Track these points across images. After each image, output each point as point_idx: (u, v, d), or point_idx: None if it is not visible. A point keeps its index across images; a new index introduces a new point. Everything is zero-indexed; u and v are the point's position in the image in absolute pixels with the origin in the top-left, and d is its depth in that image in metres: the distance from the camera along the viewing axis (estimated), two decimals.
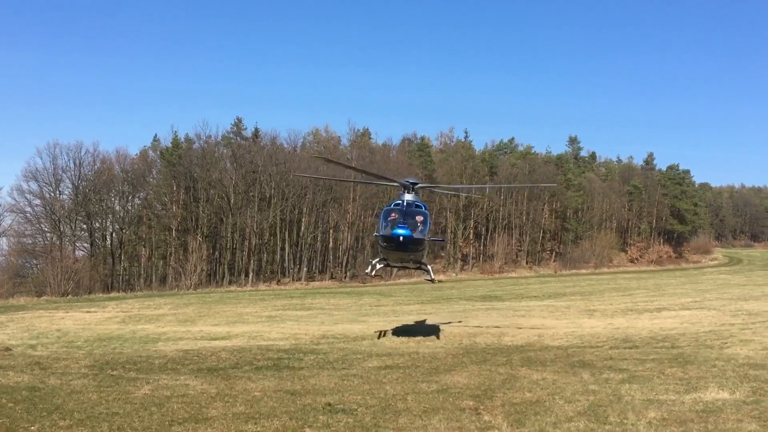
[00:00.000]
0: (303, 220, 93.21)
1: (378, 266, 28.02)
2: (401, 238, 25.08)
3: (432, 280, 28.14)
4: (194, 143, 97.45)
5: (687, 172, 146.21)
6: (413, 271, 30.61)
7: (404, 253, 26.02)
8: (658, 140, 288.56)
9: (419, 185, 28.38)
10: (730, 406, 13.63)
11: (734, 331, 28.36)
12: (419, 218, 25.75)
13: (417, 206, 26.69)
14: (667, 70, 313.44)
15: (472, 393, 15.22)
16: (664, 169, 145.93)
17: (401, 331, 29.78)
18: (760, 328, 29.70)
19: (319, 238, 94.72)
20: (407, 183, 27.51)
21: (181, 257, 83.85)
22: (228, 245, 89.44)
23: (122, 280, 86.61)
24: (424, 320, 35.85)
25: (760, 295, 51.27)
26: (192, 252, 79.09)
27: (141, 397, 14.78)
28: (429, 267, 27.54)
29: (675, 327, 31.04)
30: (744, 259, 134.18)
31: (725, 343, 24.25)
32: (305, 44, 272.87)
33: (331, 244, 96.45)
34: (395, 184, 28.55)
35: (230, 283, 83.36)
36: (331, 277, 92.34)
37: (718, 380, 16.38)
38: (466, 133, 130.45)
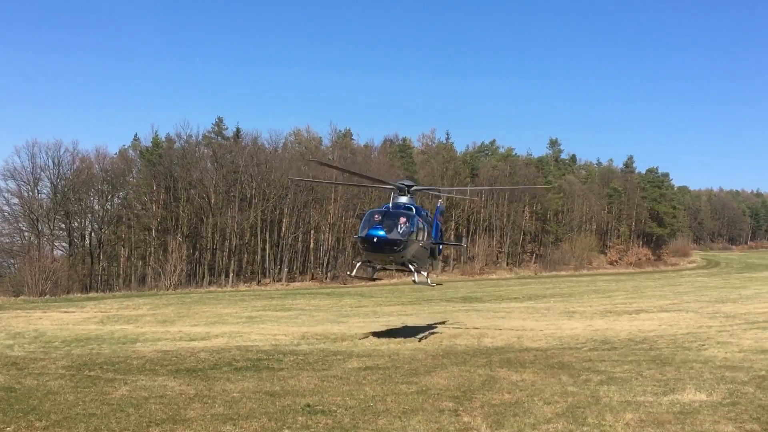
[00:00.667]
0: (284, 220, 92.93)
1: (375, 269, 28.08)
2: (375, 239, 25.12)
3: (415, 281, 27.89)
4: (175, 143, 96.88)
5: (666, 175, 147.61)
6: (393, 272, 30.54)
7: (382, 255, 25.92)
8: (637, 143, 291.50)
9: (414, 188, 28.48)
10: (707, 408, 13.76)
11: (712, 333, 28.61)
12: (402, 219, 25.65)
13: (407, 208, 26.68)
14: (648, 74, 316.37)
15: (451, 394, 15.25)
16: (643, 171, 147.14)
17: (382, 332, 29.77)
18: (737, 330, 29.97)
19: (299, 239, 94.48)
20: (402, 185, 27.68)
21: (160, 257, 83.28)
22: (208, 245, 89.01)
23: (101, 280, 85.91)
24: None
25: (737, 298, 51.76)
26: (172, 252, 78.55)
27: (118, 398, 14.69)
28: (412, 267, 27.16)
29: (653, 329, 31.24)
30: (722, 262, 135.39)
31: (703, 345, 24.44)
32: (287, 45, 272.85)
33: (311, 245, 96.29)
34: (390, 186, 28.53)
35: (210, 283, 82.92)
36: (312, 278, 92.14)
37: (695, 382, 16.52)
38: (447, 134, 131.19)
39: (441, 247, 35.32)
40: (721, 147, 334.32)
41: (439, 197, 40.41)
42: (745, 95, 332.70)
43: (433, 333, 30.03)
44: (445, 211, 38.05)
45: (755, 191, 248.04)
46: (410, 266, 26.72)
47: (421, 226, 26.92)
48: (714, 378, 17.10)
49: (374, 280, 31.69)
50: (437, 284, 31.35)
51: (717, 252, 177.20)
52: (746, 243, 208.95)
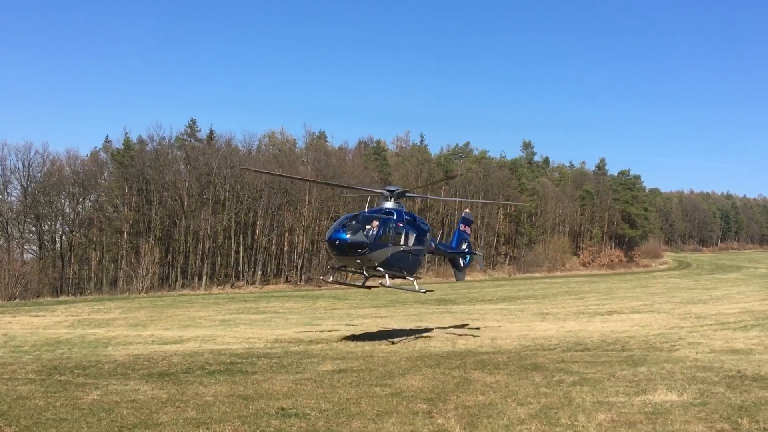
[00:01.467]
0: (258, 222, 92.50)
1: (367, 276, 27.76)
2: (337, 242, 25.32)
3: (383, 285, 27.66)
4: (147, 145, 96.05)
5: (638, 177, 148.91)
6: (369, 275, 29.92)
7: (347, 258, 26.03)
8: (610, 146, 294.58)
9: (407, 194, 28.48)
10: (678, 408, 13.89)
11: (683, 334, 29.00)
12: (374, 223, 25.61)
13: (388, 213, 26.64)
14: (620, 78, 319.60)
15: (425, 396, 15.26)
16: (615, 174, 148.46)
17: (356, 335, 29.75)
18: (707, 330, 30.41)
19: (273, 241, 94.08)
20: (387, 191, 27.67)
21: (132, 260, 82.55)
22: (181, 248, 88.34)
23: (72, 283, 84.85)
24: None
25: (707, 299, 52.48)
26: (144, 255, 77.90)
27: (89, 403, 14.51)
28: (382, 270, 26.83)
29: (625, 330, 31.57)
30: (693, 264, 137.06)
31: (674, 346, 24.73)
32: (261, 47, 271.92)
33: (286, 248, 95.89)
34: (377, 192, 28.44)
35: (183, 286, 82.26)
36: (286, 281, 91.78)
37: (666, 382, 16.69)
38: (421, 137, 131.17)
39: (468, 257, 34.32)
40: (692, 150, 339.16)
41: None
42: (716, 99, 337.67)
43: (407, 335, 30.06)
44: (473, 220, 36.98)
45: (725, 193, 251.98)
46: (380, 270, 26.35)
47: (401, 230, 26.75)
48: (685, 378, 17.29)
49: (368, 287, 30.48)
50: (428, 290, 30.67)
51: (688, 253, 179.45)
52: (716, 244, 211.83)
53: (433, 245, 31.66)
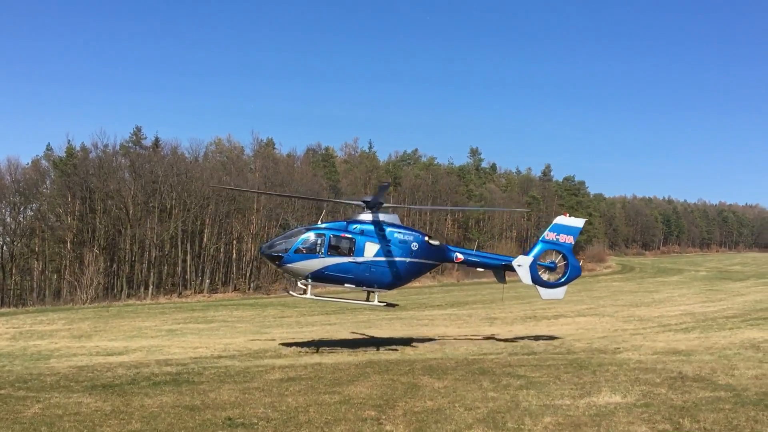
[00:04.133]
0: (205, 231, 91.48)
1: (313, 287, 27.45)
2: (261, 255, 27.44)
3: (289, 293, 28.23)
4: (90, 152, 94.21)
5: (582, 183, 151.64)
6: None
7: (277, 268, 27.47)
8: (555, 152, 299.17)
9: (383, 205, 28.29)
10: (622, 410, 14.17)
11: (626, 337, 29.58)
12: (303, 237, 26.06)
13: (332, 227, 26.72)
14: (565, 84, 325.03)
15: (374, 403, 15.29)
16: (560, 180, 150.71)
17: (305, 343, 29.62)
18: (650, 333, 31.09)
19: (222, 250, 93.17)
20: (362, 203, 27.53)
21: (76, 270, 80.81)
22: (126, 257, 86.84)
23: (13, 294, 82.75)
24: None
25: (650, 302, 53.57)
26: (88, 265, 76.37)
27: (30, 417, 14.19)
28: (306, 282, 26.45)
29: (571, 333, 32.05)
30: (636, 267, 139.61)
31: (618, 348, 25.21)
32: (206, 52, 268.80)
33: (234, 256, 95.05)
34: (356, 203, 28.40)
35: (129, 296, 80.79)
36: (235, 289, 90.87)
37: (610, 384, 17.01)
38: (370, 143, 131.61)
39: (568, 274, 29.84)
40: (635, 155, 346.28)
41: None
42: (657, 105, 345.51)
43: (356, 342, 30.03)
44: (576, 227, 31.30)
45: (666, 198, 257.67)
46: (309, 281, 26.13)
47: (349, 242, 26.30)
48: (628, 380, 17.65)
49: (390, 306, 28.61)
50: (389, 304, 29.23)
51: (631, 257, 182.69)
52: (659, 248, 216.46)
53: (460, 256, 29.87)
